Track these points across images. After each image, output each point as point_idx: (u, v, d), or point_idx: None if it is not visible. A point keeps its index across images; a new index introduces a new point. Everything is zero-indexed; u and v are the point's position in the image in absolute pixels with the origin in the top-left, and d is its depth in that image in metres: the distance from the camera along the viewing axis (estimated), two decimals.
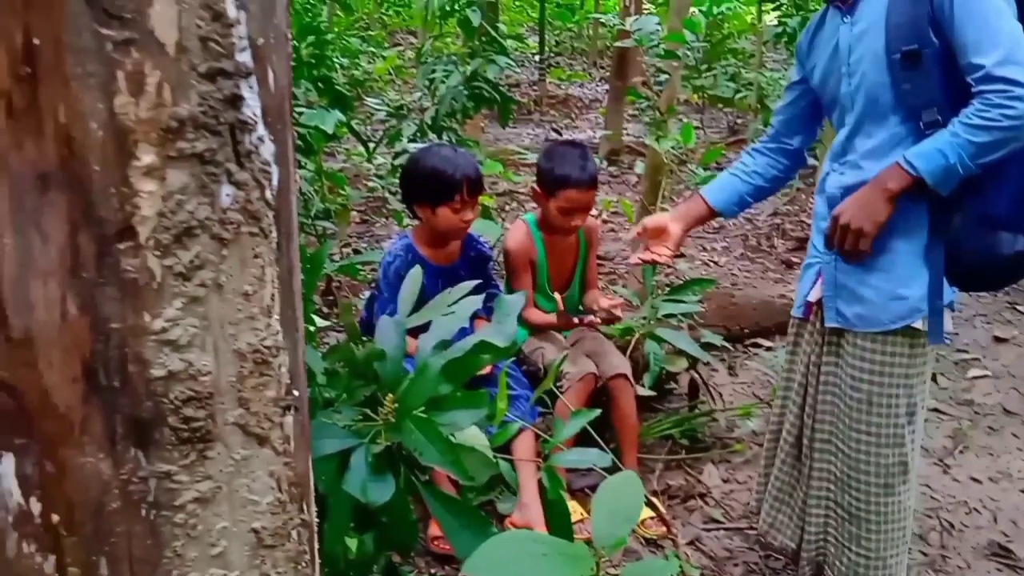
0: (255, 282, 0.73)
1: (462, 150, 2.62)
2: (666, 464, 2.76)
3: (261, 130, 0.71)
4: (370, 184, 5.41)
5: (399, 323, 1.63)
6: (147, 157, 0.62)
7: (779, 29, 6.14)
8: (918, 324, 1.78)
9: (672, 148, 3.16)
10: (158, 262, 0.65)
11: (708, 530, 2.46)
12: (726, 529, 2.47)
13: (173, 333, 0.68)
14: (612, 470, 2.23)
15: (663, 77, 2.98)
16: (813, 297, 1.99)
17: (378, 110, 5.41)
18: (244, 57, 0.67)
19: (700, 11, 3.72)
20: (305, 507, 0.91)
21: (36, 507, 0.67)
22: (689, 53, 3.62)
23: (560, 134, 7.50)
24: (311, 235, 4.07)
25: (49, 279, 0.62)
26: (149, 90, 0.61)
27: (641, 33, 2.76)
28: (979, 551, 2.41)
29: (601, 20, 7.26)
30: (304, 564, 0.92)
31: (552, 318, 2.59)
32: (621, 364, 2.53)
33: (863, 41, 1.75)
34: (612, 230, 4.97)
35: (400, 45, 13.08)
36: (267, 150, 0.72)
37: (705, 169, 2.89)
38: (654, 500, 2.39)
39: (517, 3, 15.49)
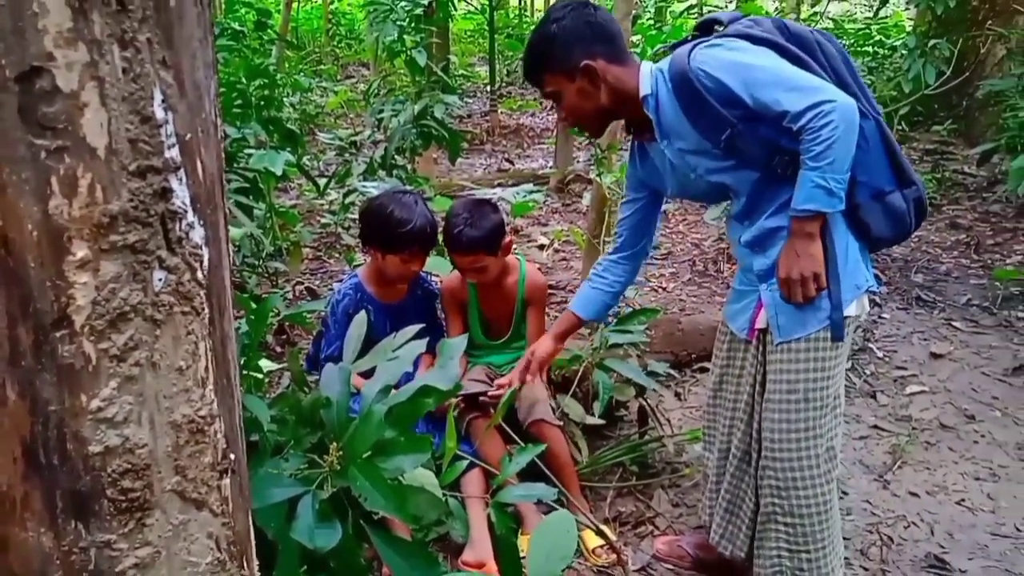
0: (188, 357, 0.78)
1: (421, 201, 2.63)
2: (617, 491, 2.82)
3: (191, 217, 0.76)
4: (323, 220, 5.45)
5: (344, 370, 1.68)
6: (81, 252, 0.67)
7: None
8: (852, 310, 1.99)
9: (613, 182, 3.25)
10: (93, 346, 0.70)
11: (658, 558, 2.52)
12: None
13: (109, 411, 0.72)
14: (561, 504, 2.29)
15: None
16: (761, 324, 2.10)
17: (330, 144, 5.46)
18: (172, 153, 0.73)
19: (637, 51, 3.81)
20: (245, 564, 0.95)
21: None
22: None
23: (512, 163, 7.60)
24: (263, 276, 4.09)
25: None
26: (81, 191, 0.66)
27: None
28: (917, 564, 2.50)
29: None
30: None
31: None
32: (541, 411, 2.56)
33: (689, 153, 2.00)
34: (564, 259, 5.06)
35: (353, 77, 13.16)
36: (197, 234, 0.77)
37: None
38: (604, 528, 2.44)
39: (469, 34, 15.70)
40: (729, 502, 2.24)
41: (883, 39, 8.02)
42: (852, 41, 8.48)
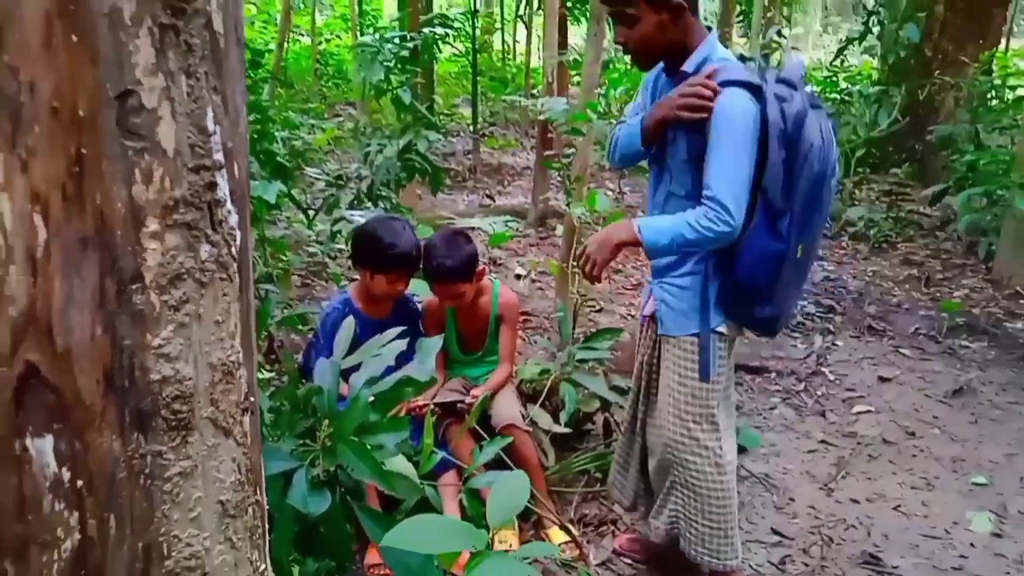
0: (223, 313, 1.02)
1: (409, 227, 2.87)
2: (583, 496, 3.04)
3: (229, 205, 1.01)
4: (311, 250, 5.68)
5: (334, 364, 1.92)
6: (153, 225, 0.91)
7: None
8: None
9: (583, 214, 3.52)
10: (157, 298, 0.94)
11: (618, 553, 2.74)
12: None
13: (166, 349, 0.96)
14: (530, 502, 2.51)
15: (570, 151, 3.34)
16: (647, 311, 2.41)
17: (317, 179, 5.72)
18: (219, 156, 0.97)
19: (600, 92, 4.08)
20: (259, 491, 1.18)
21: (66, 475, 0.93)
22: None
23: (493, 199, 7.88)
24: (256, 298, 4.31)
25: (84, 310, 0.90)
26: (155, 181, 0.91)
27: (551, 113, 3.15)
28: (853, 560, 2.73)
29: (518, 100, 7.72)
30: (257, 536, 1.19)
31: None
32: (510, 415, 2.79)
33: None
34: (540, 288, 5.32)
35: (340, 116, 13.48)
36: (233, 219, 1.02)
37: None
38: (568, 526, 2.67)
39: (453, 76, 16.09)
40: (619, 458, 2.61)
41: (848, 86, 8.44)
42: (820, 88, 8.89)
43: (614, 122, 2.60)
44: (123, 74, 0.86)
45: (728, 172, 2.04)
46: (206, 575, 1.07)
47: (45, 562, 0.94)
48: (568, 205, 3.38)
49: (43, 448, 0.92)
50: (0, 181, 0.83)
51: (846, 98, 6.92)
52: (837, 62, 8.17)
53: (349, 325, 2.11)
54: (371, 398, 1.82)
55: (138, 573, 1.00)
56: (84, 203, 0.87)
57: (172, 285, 0.95)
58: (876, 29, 6.20)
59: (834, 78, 8.69)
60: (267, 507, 1.53)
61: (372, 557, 2.56)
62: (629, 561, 2.70)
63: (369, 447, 1.72)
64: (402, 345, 1.97)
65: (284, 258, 4.90)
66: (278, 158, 4.79)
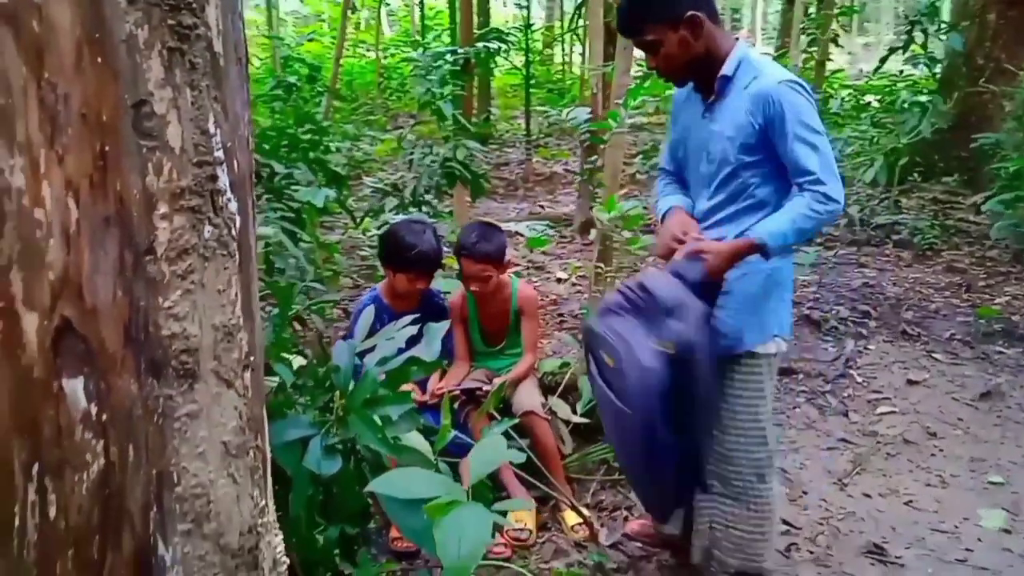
0: (224, 283, 1.24)
1: (430, 231, 3.11)
2: (601, 484, 3.20)
3: (229, 194, 1.22)
4: (362, 253, 5.99)
5: (351, 345, 2.13)
6: (163, 208, 1.13)
7: None
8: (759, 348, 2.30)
9: (608, 218, 3.68)
10: (167, 268, 1.15)
11: (629, 536, 2.89)
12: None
13: (175, 310, 1.18)
14: (544, 495, 2.70)
15: (592, 158, 3.51)
16: None
17: (374, 187, 6.02)
18: (219, 153, 1.19)
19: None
20: (259, 437, 1.39)
21: (94, 410, 1.15)
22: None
23: (543, 208, 8.09)
24: (305, 295, 4.59)
25: (108, 276, 1.12)
26: (165, 173, 1.13)
27: (574, 122, 3.33)
28: (858, 550, 2.82)
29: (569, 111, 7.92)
30: (258, 477, 1.40)
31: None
32: (530, 403, 2.99)
33: (723, 136, 2.26)
34: (579, 291, 5.48)
35: (401, 128, 13.90)
36: (233, 206, 1.23)
37: (632, 232, 3.41)
38: (580, 508, 2.83)
39: (513, 88, 16.39)
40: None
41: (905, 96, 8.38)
42: (879, 96, 8.86)
43: (636, 130, 2.75)
44: (138, 87, 1.09)
45: (819, 152, 2.11)
46: (211, 503, 1.29)
47: (77, 481, 1.16)
48: (598, 212, 3.54)
49: (75, 387, 1.14)
50: (42, 172, 1.05)
51: (888, 107, 6.92)
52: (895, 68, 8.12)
53: (369, 313, 2.32)
54: (381, 376, 2.03)
55: (153, 495, 1.22)
56: (107, 190, 1.09)
57: (179, 258, 1.16)
58: (919, 38, 6.19)
59: (894, 86, 8.62)
60: (281, 466, 1.74)
61: (396, 531, 2.76)
62: (639, 544, 2.85)
63: (377, 418, 1.93)
64: (413, 330, 2.18)
65: (335, 261, 5.21)
66: (333, 167, 5.10)
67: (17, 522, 1.15)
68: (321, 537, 2.28)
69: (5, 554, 1.15)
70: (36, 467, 1.13)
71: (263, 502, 1.41)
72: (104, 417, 1.16)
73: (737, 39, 2.29)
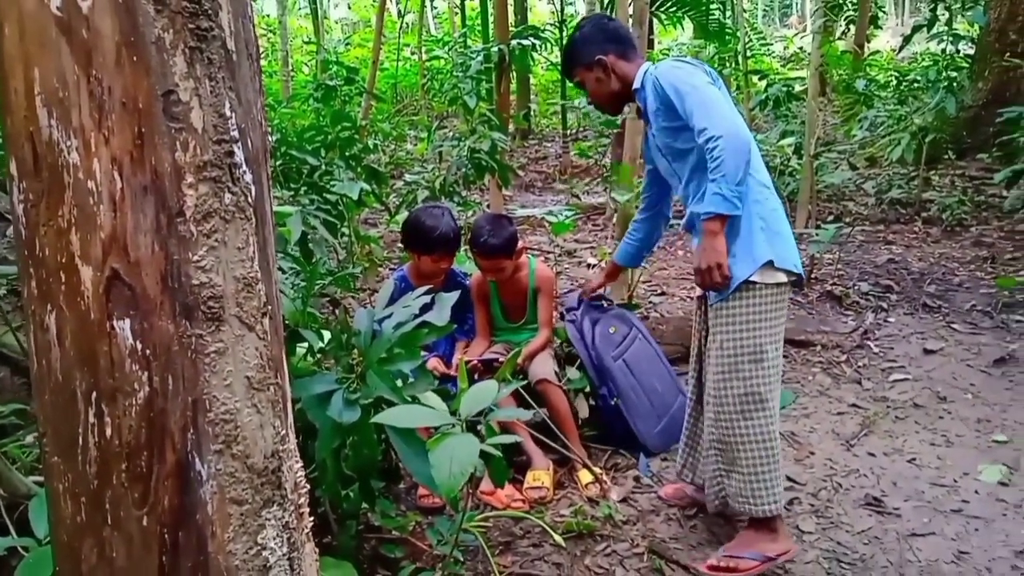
0: (243, 242, 1.49)
1: (448, 213, 3.36)
2: (615, 448, 3.41)
3: (244, 168, 1.47)
4: (400, 246, 6.27)
5: (371, 312, 2.38)
6: (190, 179, 1.39)
7: (763, 96, 6.88)
8: (755, 277, 2.49)
9: (627, 202, 3.88)
10: (195, 227, 1.41)
11: (639, 491, 3.09)
12: (654, 492, 3.10)
13: (202, 263, 1.43)
14: (563, 457, 2.91)
15: (604, 141, 3.68)
16: (698, 292, 2.72)
17: (409, 183, 6.31)
18: (235, 133, 1.44)
19: None
20: (279, 375, 1.64)
21: (139, 345, 1.41)
22: None
23: (579, 198, 8.29)
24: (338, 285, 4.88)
25: (147, 234, 1.37)
26: (190, 149, 1.38)
27: (586, 109, 3.52)
28: (857, 502, 2.98)
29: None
30: (279, 409, 1.65)
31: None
32: (544, 372, 3.20)
33: (658, 132, 2.68)
34: None
35: (445, 128, 14.24)
36: (248, 177, 1.48)
37: None
38: (592, 467, 3.04)
39: (554, 84, 16.59)
40: (687, 438, 2.84)
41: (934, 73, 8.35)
42: (920, 76, 8.83)
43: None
44: (166, 80, 1.34)
45: (688, 99, 2.42)
46: (238, 428, 1.54)
47: (127, 405, 1.42)
48: (614, 196, 3.74)
49: (124, 327, 1.40)
50: (93, 150, 1.31)
51: (914, 85, 6.95)
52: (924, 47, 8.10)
53: (387, 287, 2.57)
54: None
55: (189, 419, 1.47)
56: (144, 164, 1.35)
57: (204, 220, 1.42)
58: (943, 16, 6.22)
59: (937, 65, 8.58)
60: (311, 419, 1.98)
61: (424, 490, 3.01)
62: (648, 496, 3.05)
63: (390, 372, 2.18)
64: (426, 299, 2.42)
65: (374, 253, 5.50)
66: (374, 164, 5.39)
67: (80, 441, 1.42)
68: (350, 492, 2.54)
69: (71, 468, 1.43)
70: (94, 394, 1.40)
71: (283, 431, 1.66)
72: (147, 352, 1.41)
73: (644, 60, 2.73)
